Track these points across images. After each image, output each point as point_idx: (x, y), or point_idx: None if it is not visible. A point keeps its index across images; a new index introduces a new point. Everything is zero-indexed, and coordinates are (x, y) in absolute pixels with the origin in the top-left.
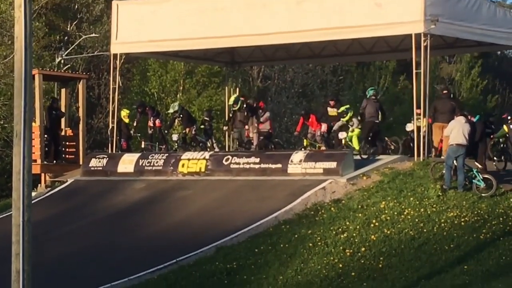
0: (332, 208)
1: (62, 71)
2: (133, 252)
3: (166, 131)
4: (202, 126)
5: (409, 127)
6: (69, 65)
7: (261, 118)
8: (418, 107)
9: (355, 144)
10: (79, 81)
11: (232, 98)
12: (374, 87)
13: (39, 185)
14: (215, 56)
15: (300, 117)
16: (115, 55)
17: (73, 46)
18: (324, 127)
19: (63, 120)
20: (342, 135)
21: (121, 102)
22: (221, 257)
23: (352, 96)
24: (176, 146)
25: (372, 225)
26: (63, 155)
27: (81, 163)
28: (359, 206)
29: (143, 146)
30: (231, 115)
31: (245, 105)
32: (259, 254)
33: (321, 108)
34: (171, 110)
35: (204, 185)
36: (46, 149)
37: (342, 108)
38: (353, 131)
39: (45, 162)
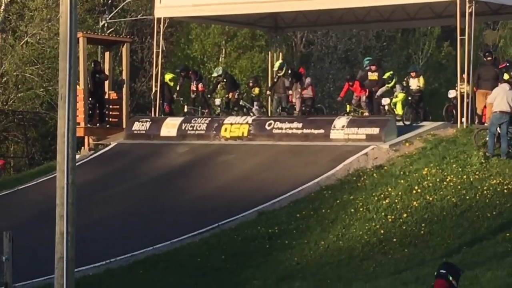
0: (374, 174)
1: (106, 34)
2: (175, 216)
3: (209, 96)
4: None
5: (452, 93)
6: (112, 29)
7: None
8: (462, 73)
9: (399, 110)
10: (123, 44)
11: (277, 64)
12: (369, 57)
13: (82, 148)
14: (258, 21)
15: (345, 82)
16: (158, 19)
17: (116, 10)
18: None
19: (106, 83)
20: (385, 101)
21: (164, 66)
22: (263, 221)
23: (396, 62)
24: (219, 111)
25: (414, 191)
26: (107, 118)
27: (124, 126)
28: (401, 173)
29: (185, 110)
30: (275, 80)
31: (289, 71)
32: (301, 219)
33: (361, 73)
34: (214, 74)
35: (246, 149)
36: (90, 112)
37: (388, 74)
38: (396, 96)
39: (89, 125)
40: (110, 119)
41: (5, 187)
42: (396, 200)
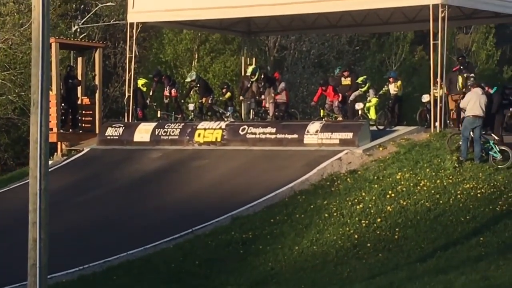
0: (348, 179)
1: (79, 39)
2: (149, 221)
3: (182, 101)
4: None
5: (425, 98)
6: (85, 34)
7: (278, 89)
8: (436, 78)
9: (373, 114)
10: (96, 49)
11: (250, 69)
12: (340, 66)
13: (55, 153)
14: (231, 26)
15: (318, 87)
16: (131, 24)
17: (89, 15)
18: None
19: (79, 88)
20: (358, 105)
21: (137, 71)
22: (237, 227)
23: (369, 67)
24: (192, 116)
25: (388, 196)
26: (80, 124)
27: (97, 132)
28: (375, 177)
29: (159, 115)
30: (248, 86)
31: (262, 76)
32: (275, 224)
33: (335, 79)
34: (188, 79)
35: (220, 155)
36: (63, 117)
37: (361, 79)
38: (370, 101)
39: (62, 131)
40: (83, 125)
41: None
42: (370, 205)
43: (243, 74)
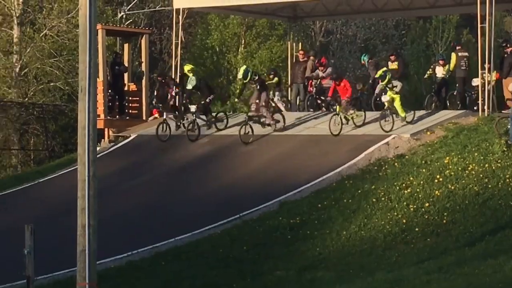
0: (396, 164)
1: (125, 26)
2: (196, 207)
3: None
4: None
5: (475, 82)
6: (131, 20)
7: (324, 74)
8: (484, 62)
9: (398, 108)
10: (142, 36)
11: (241, 71)
12: (365, 54)
13: (102, 140)
14: (277, 11)
15: (332, 82)
16: (177, 10)
17: (135, 1)
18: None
19: (126, 75)
20: (385, 98)
21: (183, 57)
22: (285, 212)
23: (415, 50)
24: (194, 118)
25: (436, 180)
26: (126, 110)
27: (144, 118)
28: (423, 162)
29: (164, 116)
30: (241, 88)
31: (256, 77)
32: (323, 209)
33: (374, 65)
34: (189, 87)
35: (266, 140)
36: (110, 104)
37: (380, 72)
38: (394, 95)
39: (109, 117)
40: (130, 111)
41: (26, 180)
42: (418, 190)
43: (289, 59)
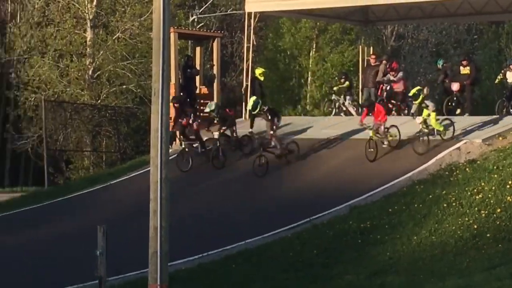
0: (467, 169)
1: (196, 29)
2: (267, 210)
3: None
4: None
5: None
6: (202, 24)
7: (395, 78)
8: None
9: (436, 125)
10: (213, 39)
11: (251, 101)
12: (440, 58)
13: (174, 142)
14: (349, 15)
15: (364, 109)
16: (249, 14)
17: (207, 5)
18: (456, 86)
19: (197, 78)
20: (418, 119)
21: (254, 61)
22: (355, 216)
23: (487, 55)
24: (218, 145)
25: (508, 186)
26: (198, 113)
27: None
28: (495, 167)
29: (182, 145)
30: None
31: (265, 108)
32: (393, 214)
33: (450, 69)
34: (207, 109)
35: (337, 144)
36: None
37: (413, 91)
38: (429, 115)
39: (180, 120)
40: (202, 114)
41: (98, 182)
42: (490, 195)
43: (360, 63)
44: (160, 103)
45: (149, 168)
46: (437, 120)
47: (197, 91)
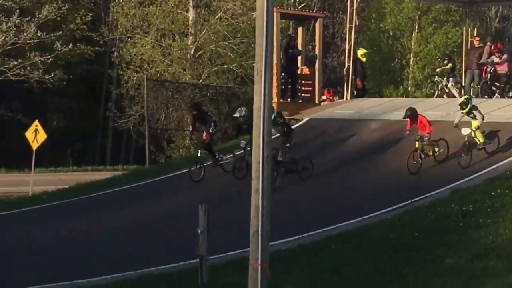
0: None
1: (298, 9)
2: (367, 192)
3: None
4: None
5: None
6: (304, 4)
7: (499, 60)
8: None
9: (480, 137)
10: (315, 20)
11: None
12: None
13: None
14: None
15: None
16: None
17: None
18: None
19: (299, 58)
20: (465, 131)
21: (356, 41)
22: (457, 199)
23: None
24: (244, 153)
25: None
26: (299, 94)
27: (316, 101)
28: None
29: (199, 155)
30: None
31: (281, 120)
32: (496, 197)
33: None
34: (236, 114)
35: (439, 127)
36: (283, 87)
37: (462, 99)
38: (478, 127)
39: (281, 100)
40: (303, 94)
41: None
42: None
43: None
44: (262, 83)
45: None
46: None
47: (299, 72)
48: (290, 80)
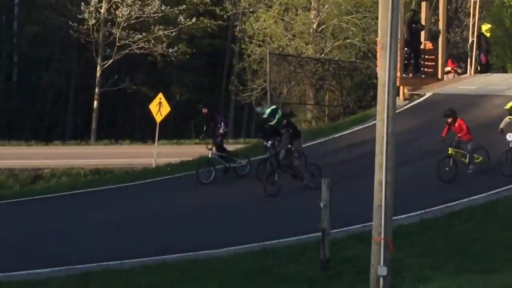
0: None
1: None
2: (491, 167)
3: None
4: None
5: None
6: None
7: None
8: None
9: None
10: None
11: (268, 111)
12: None
13: (397, 97)
14: None
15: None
16: None
17: None
18: None
19: (422, 33)
20: (510, 137)
21: (480, 17)
22: None
23: None
24: (269, 154)
25: None
26: (422, 69)
27: (439, 76)
28: None
29: (210, 156)
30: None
31: (285, 121)
32: None
33: None
34: (258, 110)
35: None
36: (406, 62)
37: (510, 104)
38: None
39: (404, 75)
40: (426, 69)
41: (321, 135)
42: None
43: None
44: (388, 58)
45: (371, 123)
46: None
47: (422, 47)
48: (413, 55)
